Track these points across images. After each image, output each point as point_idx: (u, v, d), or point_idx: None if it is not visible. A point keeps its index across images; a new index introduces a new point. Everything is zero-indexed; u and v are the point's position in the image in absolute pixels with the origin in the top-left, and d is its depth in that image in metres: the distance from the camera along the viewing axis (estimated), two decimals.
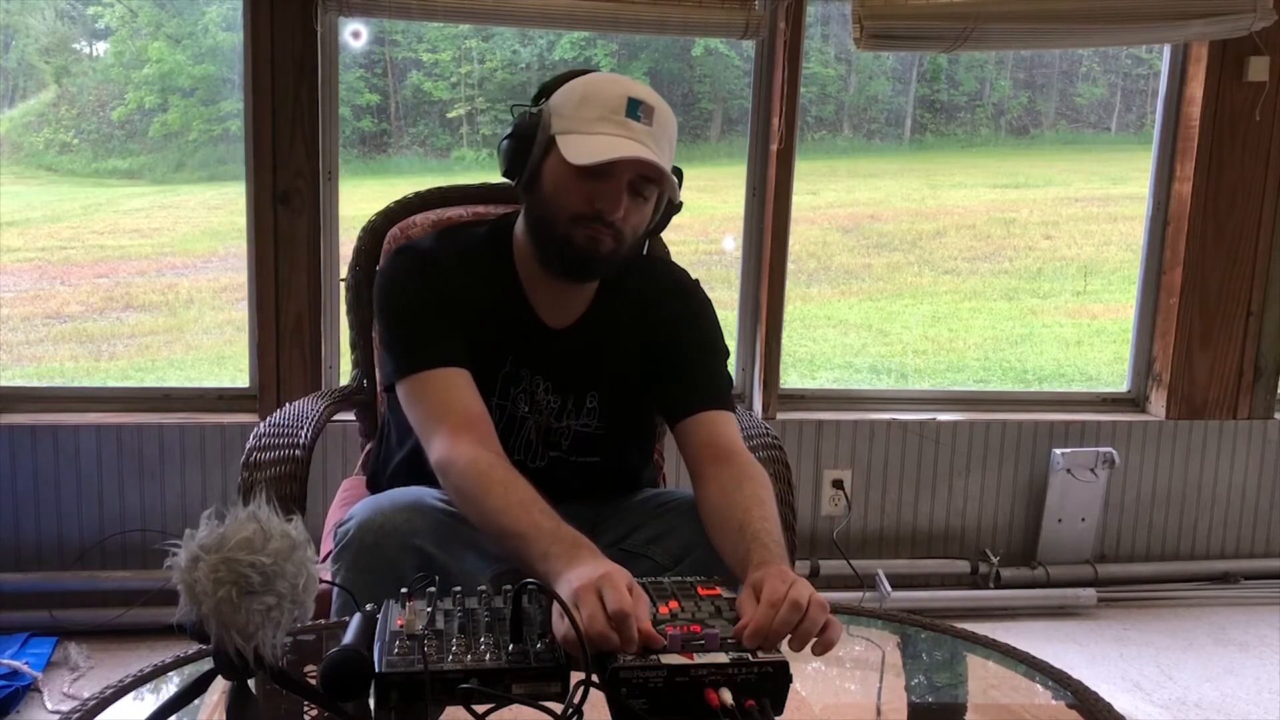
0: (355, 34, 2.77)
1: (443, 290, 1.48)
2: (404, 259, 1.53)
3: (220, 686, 1.06)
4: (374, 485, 1.65)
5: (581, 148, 1.37)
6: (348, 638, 1.04)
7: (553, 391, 1.54)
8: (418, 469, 1.50)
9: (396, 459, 1.59)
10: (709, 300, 1.63)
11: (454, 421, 1.38)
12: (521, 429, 1.53)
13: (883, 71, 5.07)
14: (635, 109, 1.38)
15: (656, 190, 1.44)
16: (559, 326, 1.54)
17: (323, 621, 1.30)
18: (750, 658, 1.02)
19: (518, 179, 1.46)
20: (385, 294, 1.51)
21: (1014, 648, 1.36)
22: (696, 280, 1.64)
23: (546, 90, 1.46)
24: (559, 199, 1.41)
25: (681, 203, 1.52)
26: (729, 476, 1.40)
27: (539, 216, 1.45)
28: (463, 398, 1.41)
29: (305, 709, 1.09)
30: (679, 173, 1.48)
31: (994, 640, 1.38)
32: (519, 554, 1.23)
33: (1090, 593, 3.00)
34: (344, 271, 2.04)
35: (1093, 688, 1.24)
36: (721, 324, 1.64)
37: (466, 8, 2.54)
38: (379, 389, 1.63)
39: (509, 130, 1.45)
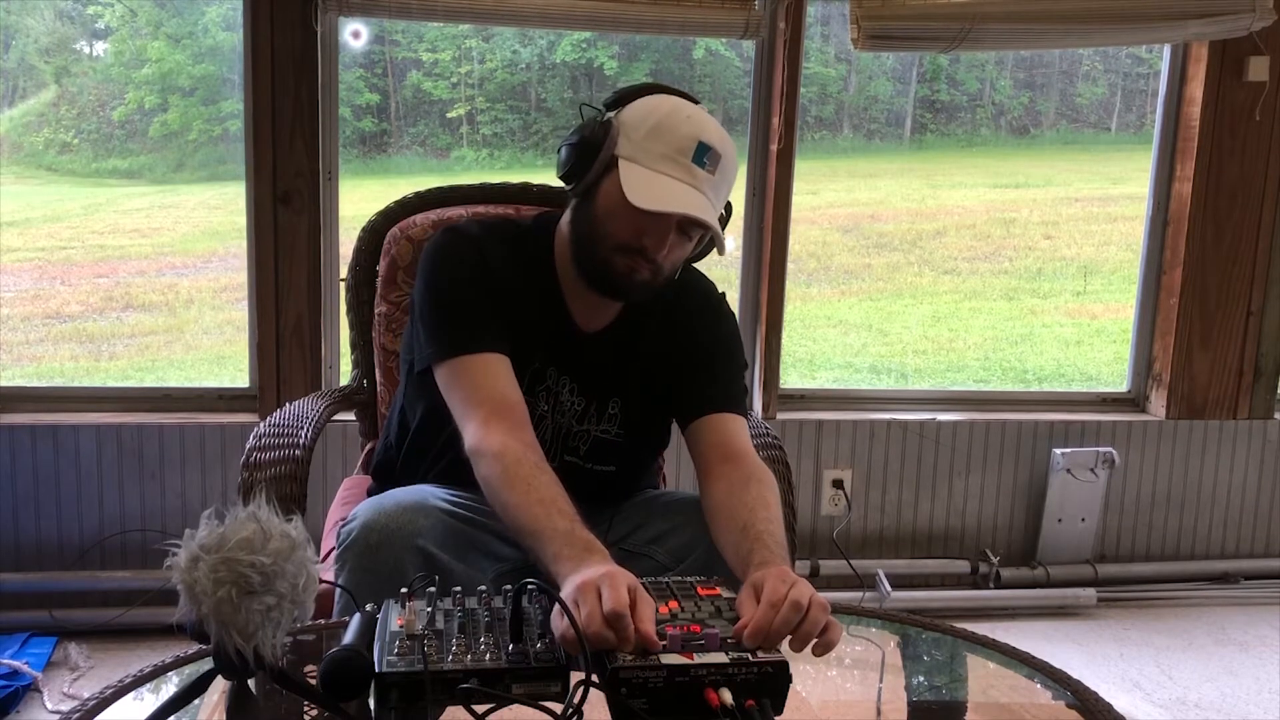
0: (355, 34, 2.76)
1: (488, 275, 1.49)
2: (453, 238, 1.53)
3: (220, 686, 1.06)
4: (384, 474, 1.64)
5: (642, 187, 1.36)
6: (348, 638, 1.04)
7: (578, 394, 1.54)
8: (440, 457, 1.52)
9: (420, 446, 1.58)
10: (733, 314, 1.64)
11: (489, 409, 1.38)
12: (538, 428, 1.53)
13: (883, 71, 5.07)
14: (703, 155, 1.38)
15: (702, 231, 1.44)
16: (591, 330, 1.55)
17: (323, 621, 1.30)
18: (750, 658, 1.02)
19: (573, 185, 1.45)
20: (432, 271, 1.50)
21: (1014, 648, 1.36)
22: (723, 293, 1.65)
23: (622, 99, 1.44)
24: (608, 224, 1.41)
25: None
26: (737, 477, 1.40)
27: (585, 232, 1.45)
28: (500, 385, 1.42)
29: (305, 709, 1.09)
30: (729, 207, 1.49)
31: (994, 640, 1.38)
32: (533, 551, 1.24)
33: (1090, 593, 3.00)
34: (344, 271, 2.03)
35: (1093, 688, 1.24)
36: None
37: (466, 8, 2.54)
38: (403, 372, 1.62)
39: (575, 134, 1.43)
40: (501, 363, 1.43)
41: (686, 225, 1.40)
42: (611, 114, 1.42)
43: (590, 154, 1.41)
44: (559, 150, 1.46)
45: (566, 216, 1.52)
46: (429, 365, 1.46)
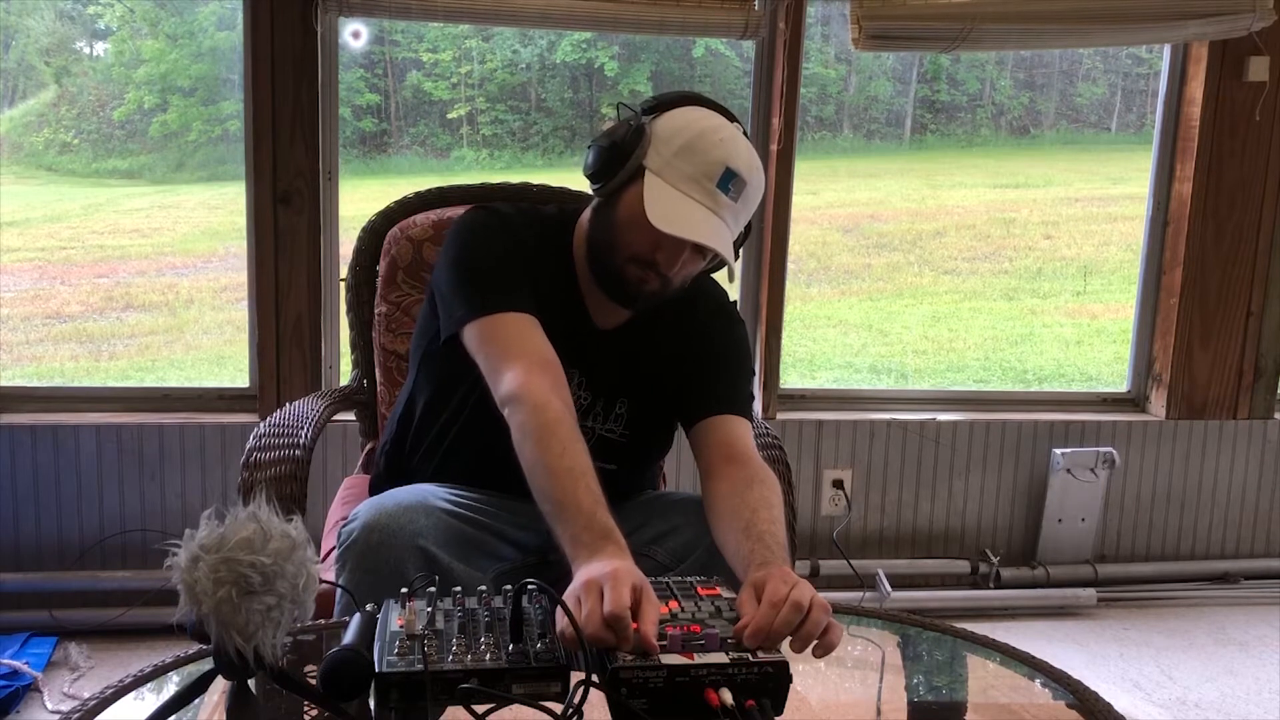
0: (355, 34, 2.76)
1: (517, 252, 1.49)
2: (485, 214, 1.54)
3: (220, 686, 1.06)
4: (392, 465, 1.64)
5: (664, 207, 1.36)
6: (348, 638, 1.04)
7: (585, 389, 1.54)
8: (449, 429, 1.51)
9: (428, 424, 1.57)
10: (743, 321, 1.65)
11: (531, 360, 1.37)
12: None
13: (883, 71, 5.07)
14: (728, 181, 1.38)
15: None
16: (605, 328, 1.55)
17: (323, 621, 1.30)
18: (750, 658, 1.02)
19: (599, 186, 1.45)
20: (465, 241, 1.50)
21: (1014, 648, 1.36)
22: (735, 301, 1.66)
23: (659, 106, 1.43)
24: (625, 234, 1.41)
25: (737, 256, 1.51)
26: (740, 477, 1.40)
27: (602, 238, 1.46)
28: (539, 342, 1.41)
29: (305, 709, 1.09)
30: (749, 227, 1.49)
31: (994, 640, 1.38)
32: (554, 522, 1.23)
33: (1090, 593, 3.00)
34: (344, 271, 2.04)
35: (1093, 688, 1.25)
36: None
37: (466, 8, 2.54)
38: (415, 361, 1.61)
39: (606, 136, 1.43)
40: (537, 324, 1.43)
41: (702, 246, 1.41)
42: (646, 119, 1.42)
43: (618, 160, 1.41)
44: (588, 147, 1.46)
45: (587, 215, 1.52)
46: (455, 331, 1.44)
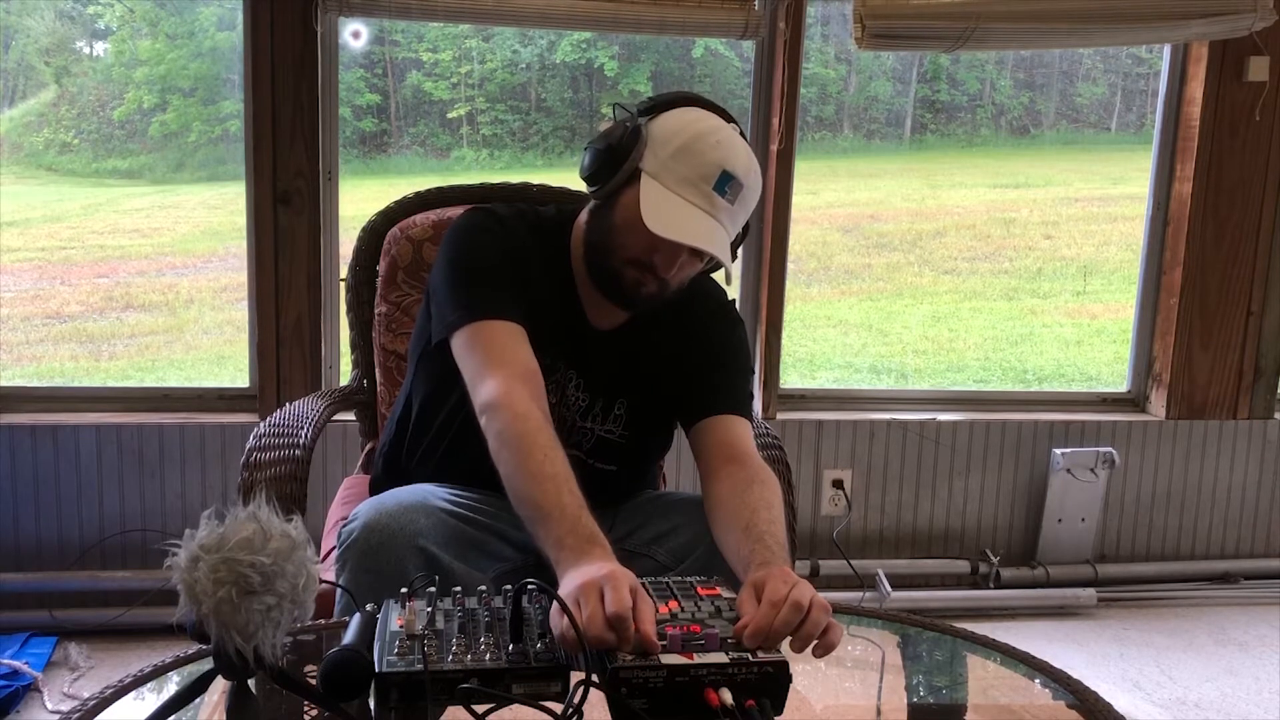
0: (355, 34, 2.77)
1: (513, 255, 1.49)
2: (481, 216, 1.53)
3: (220, 686, 1.06)
4: (391, 465, 1.64)
5: (660, 210, 1.36)
6: (348, 638, 1.04)
7: (584, 390, 1.54)
8: (445, 433, 1.52)
9: (425, 424, 1.57)
10: (742, 320, 1.65)
11: (512, 370, 1.38)
12: None
13: (883, 71, 5.08)
14: (725, 184, 1.37)
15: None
16: (602, 329, 1.55)
17: (323, 621, 1.30)
18: (750, 658, 1.02)
19: (595, 188, 1.45)
20: (459, 244, 1.50)
21: (1014, 648, 1.36)
22: (733, 300, 1.66)
23: (655, 107, 1.43)
24: (622, 237, 1.41)
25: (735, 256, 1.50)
26: (741, 478, 1.40)
27: (599, 240, 1.46)
28: (523, 353, 1.41)
29: (305, 709, 1.09)
30: (748, 227, 1.49)
31: (994, 640, 1.38)
32: (535, 526, 1.23)
33: (1090, 593, 3.00)
34: (344, 271, 2.04)
35: (1093, 688, 1.24)
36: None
37: (466, 8, 2.54)
38: (413, 361, 1.62)
39: (603, 138, 1.43)
40: (524, 334, 1.43)
41: (699, 249, 1.41)
42: (643, 121, 1.41)
43: (615, 162, 1.41)
44: (585, 149, 1.46)
45: (584, 217, 1.52)
46: (447, 336, 1.45)
